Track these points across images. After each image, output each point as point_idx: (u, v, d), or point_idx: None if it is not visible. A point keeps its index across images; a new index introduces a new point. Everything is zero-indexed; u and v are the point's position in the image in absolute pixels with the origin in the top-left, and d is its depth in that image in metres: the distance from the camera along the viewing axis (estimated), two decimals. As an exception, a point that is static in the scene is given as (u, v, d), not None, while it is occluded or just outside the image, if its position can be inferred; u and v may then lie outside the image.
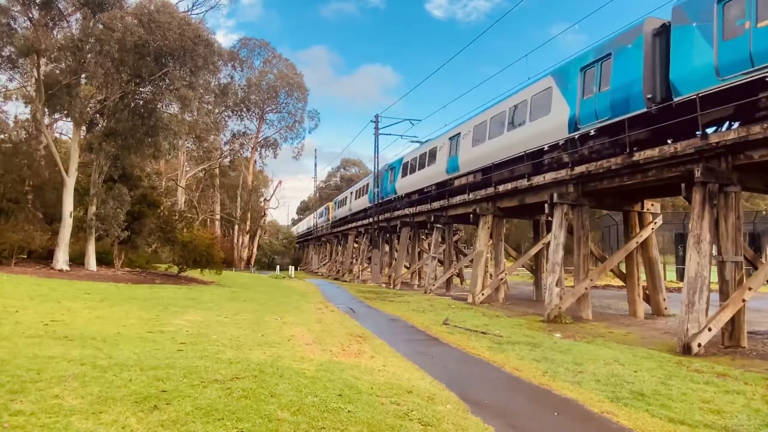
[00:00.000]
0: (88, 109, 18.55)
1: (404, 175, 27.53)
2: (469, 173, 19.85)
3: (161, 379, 4.94)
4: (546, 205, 14.44)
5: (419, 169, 25.18)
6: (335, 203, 49.33)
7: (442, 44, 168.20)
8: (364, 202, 36.45)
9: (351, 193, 42.55)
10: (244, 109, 49.50)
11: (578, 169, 13.35)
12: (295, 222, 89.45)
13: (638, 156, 11.37)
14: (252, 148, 52.90)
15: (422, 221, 25.42)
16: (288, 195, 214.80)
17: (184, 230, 22.28)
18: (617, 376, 6.83)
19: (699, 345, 8.86)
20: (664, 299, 14.90)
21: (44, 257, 18.02)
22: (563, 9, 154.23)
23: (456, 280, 26.34)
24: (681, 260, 24.06)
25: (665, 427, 5.01)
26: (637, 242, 14.52)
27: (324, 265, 50.22)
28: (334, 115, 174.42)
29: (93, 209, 18.19)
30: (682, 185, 10.29)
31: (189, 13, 24.16)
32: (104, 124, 18.89)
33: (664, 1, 11.52)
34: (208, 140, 43.05)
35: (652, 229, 14.68)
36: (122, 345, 6.62)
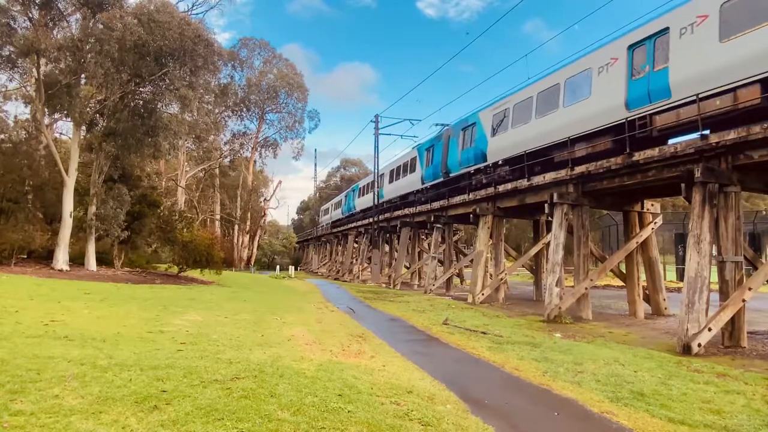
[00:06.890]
0: (88, 109, 18.52)
1: (359, 196, 39.41)
2: (390, 199, 30.88)
3: (161, 379, 4.94)
4: (546, 205, 14.44)
5: (366, 194, 36.37)
6: (322, 210, 59.96)
7: (427, 41, 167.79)
8: (338, 213, 48.26)
9: (332, 204, 54.36)
10: (244, 109, 49.55)
11: (578, 169, 13.35)
12: (295, 222, 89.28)
13: (638, 156, 11.37)
14: (252, 148, 52.93)
15: (422, 221, 25.43)
16: (288, 195, 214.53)
17: (184, 230, 22.21)
18: (617, 376, 6.82)
19: (699, 345, 8.85)
20: (664, 299, 14.90)
21: (44, 257, 18.02)
22: (538, 8, 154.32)
23: (456, 280, 26.36)
24: (681, 260, 24.05)
25: (665, 427, 5.01)
26: (637, 242, 14.51)
27: (324, 265, 50.20)
28: (320, 114, 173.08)
29: (93, 209, 18.19)
30: (682, 185, 10.28)
31: (189, 13, 24.19)
32: (104, 124, 18.89)
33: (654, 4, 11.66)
34: (208, 140, 42.97)
35: (652, 229, 14.68)
36: (122, 345, 6.62)
